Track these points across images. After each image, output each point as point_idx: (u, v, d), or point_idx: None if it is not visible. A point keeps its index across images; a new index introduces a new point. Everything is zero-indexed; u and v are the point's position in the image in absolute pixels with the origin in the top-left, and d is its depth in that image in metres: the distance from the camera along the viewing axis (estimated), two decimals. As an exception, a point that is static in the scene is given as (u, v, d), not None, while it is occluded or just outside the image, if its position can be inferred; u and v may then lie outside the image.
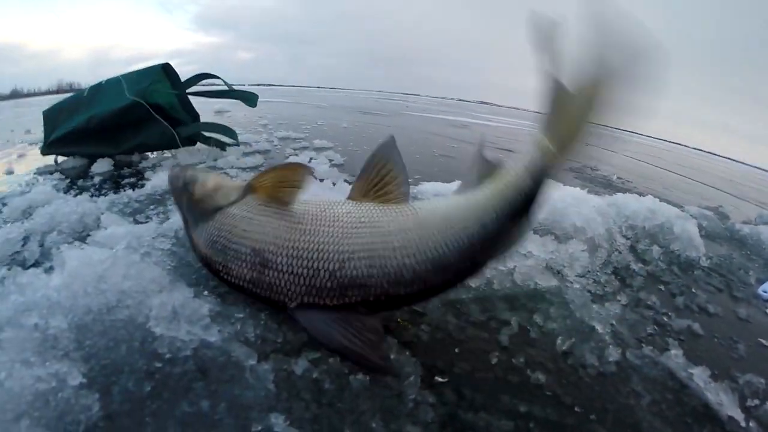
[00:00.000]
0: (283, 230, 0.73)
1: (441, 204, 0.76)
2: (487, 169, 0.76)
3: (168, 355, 0.63)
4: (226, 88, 2.16)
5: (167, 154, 2.09)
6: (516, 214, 0.70)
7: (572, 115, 0.66)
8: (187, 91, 2.07)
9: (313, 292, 0.69)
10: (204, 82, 2.15)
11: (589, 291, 1.01)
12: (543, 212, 1.22)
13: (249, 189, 0.82)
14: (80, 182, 1.65)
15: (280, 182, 0.78)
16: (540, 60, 0.65)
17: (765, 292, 1.19)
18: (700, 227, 1.58)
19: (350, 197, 0.80)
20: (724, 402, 0.71)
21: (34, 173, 1.81)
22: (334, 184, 1.47)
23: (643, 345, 0.84)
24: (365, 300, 0.69)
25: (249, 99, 2.13)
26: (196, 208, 0.84)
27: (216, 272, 0.77)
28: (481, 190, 0.73)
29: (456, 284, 0.76)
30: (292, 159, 2.01)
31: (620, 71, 0.61)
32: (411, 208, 0.75)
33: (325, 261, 0.69)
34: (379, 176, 0.78)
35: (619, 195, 1.55)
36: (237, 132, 2.16)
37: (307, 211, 0.76)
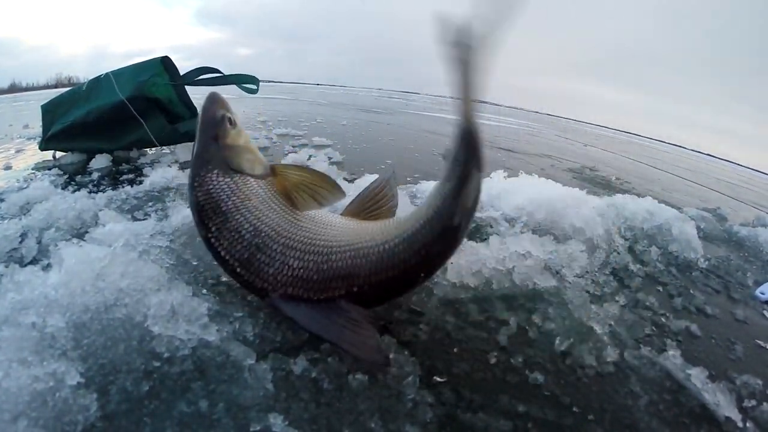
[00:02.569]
0: (284, 222, 0.76)
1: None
2: None
3: (166, 355, 0.63)
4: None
5: (166, 150, 2.08)
6: (464, 176, 0.72)
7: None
8: (185, 81, 2.04)
9: (299, 283, 0.71)
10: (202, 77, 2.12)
11: (588, 291, 1.01)
12: (542, 212, 1.22)
13: (272, 171, 0.83)
14: (78, 178, 1.64)
15: (304, 185, 0.80)
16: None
17: (762, 293, 1.20)
18: (699, 229, 1.58)
19: (342, 214, 0.86)
20: (722, 403, 0.71)
21: (32, 169, 1.80)
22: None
23: (641, 345, 0.84)
24: (349, 292, 0.70)
25: (250, 82, 2.04)
26: (220, 150, 0.81)
27: (207, 231, 0.75)
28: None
29: (434, 266, 0.77)
30: (291, 156, 2.00)
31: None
32: (395, 218, 0.82)
33: (313, 254, 0.72)
34: (376, 205, 0.85)
35: (618, 196, 1.55)
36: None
37: (307, 213, 0.80)
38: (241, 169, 0.80)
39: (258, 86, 2.05)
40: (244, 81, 2.05)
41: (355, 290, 0.70)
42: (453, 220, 0.71)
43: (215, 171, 0.79)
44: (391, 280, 0.72)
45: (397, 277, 0.72)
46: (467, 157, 0.71)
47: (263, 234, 0.73)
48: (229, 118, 0.85)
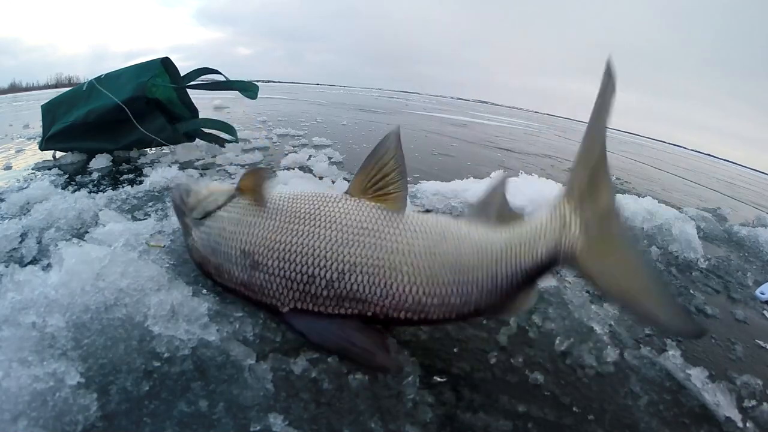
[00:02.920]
0: (273, 231, 0.70)
1: (452, 229, 0.69)
2: (506, 211, 0.73)
3: (166, 355, 0.63)
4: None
5: (166, 150, 2.08)
6: (527, 281, 0.66)
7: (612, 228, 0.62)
8: (186, 84, 2.05)
9: (308, 299, 0.67)
10: (203, 78, 2.13)
11: (588, 291, 1.01)
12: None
13: (237, 191, 0.81)
14: (78, 178, 1.63)
15: (253, 186, 0.78)
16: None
17: (762, 293, 1.20)
18: (699, 229, 1.58)
19: (348, 191, 0.76)
20: (722, 403, 0.71)
21: (32, 169, 1.80)
22: (333, 182, 1.47)
23: (641, 345, 0.84)
24: (362, 314, 0.67)
25: (249, 90, 2.10)
26: (190, 216, 0.84)
27: (209, 275, 0.78)
28: (498, 237, 0.67)
29: (453, 322, 0.74)
30: (291, 156, 2.00)
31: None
32: (417, 222, 0.70)
33: (321, 268, 0.66)
34: (382, 173, 0.73)
35: (618, 196, 1.55)
36: (236, 128, 2.15)
37: (299, 209, 0.72)
38: (206, 211, 0.82)
39: (257, 94, 2.09)
40: (245, 88, 2.08)
41: (369, 315, 0.67)
42: (491, 315, 0.71)
43: (193, 231, 0.81)
44: (407, 320, 0.67)
45: (414, 321, 0.68)
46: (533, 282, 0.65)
47: (253, 253, 0.70)
48: (182, 195, 0.88)
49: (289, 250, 0.68)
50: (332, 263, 0.66)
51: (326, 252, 0.67)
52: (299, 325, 0.68)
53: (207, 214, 0.81)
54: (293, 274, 0.67)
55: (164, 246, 0.86)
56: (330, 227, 0.69)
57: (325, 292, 0.66)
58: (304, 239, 0.69)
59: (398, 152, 0.73)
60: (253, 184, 0.77)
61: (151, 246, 0.85)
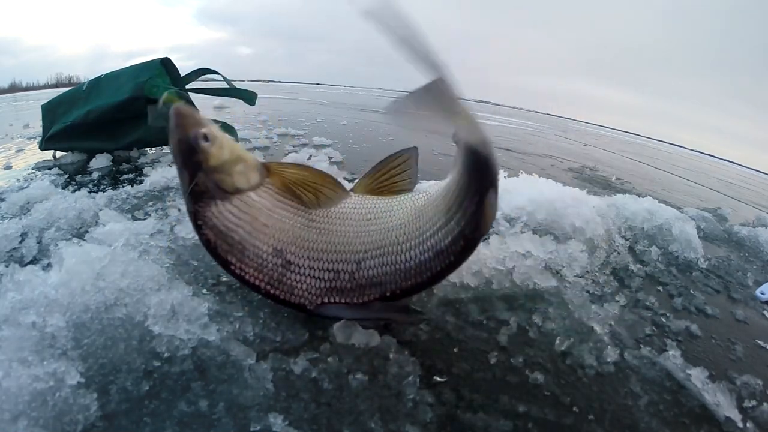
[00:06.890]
0: (301, 228, 0.73)
1: (434, 190, 0.78)
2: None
3: (166, 354, 0.63)
4: (225, 85, 2.15)
5: (166, 149, 2.08)
6: (482, 203, 0.69)
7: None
8: (186, 87, 2.05)
9: (334, 293, 0.71)
10: (203, 78, 2.13)
11: (588, 291, 1.01)
12: (542, 212, 1.22)
13: (267, 170, 0.76)
14: (78, 178, 1.63)
15: (305, 184, 0.74)
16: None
17: (763, 293, 1.19)
18: (699, 229, 1.58)
19: (353, 190, 0.81)
20: (722, 403, 0.71)
21: (32, 168, 1.80)
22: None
23: (642, 345, 0.84)
24: (382, 296, 0.72)
25: (248, 98, 2.11)
26: (209, 177, 0.71)
27: (227, 265, 0.72)
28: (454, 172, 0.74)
29: (457, 265, 0.74)
30: (291, 156, 2.00)
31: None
32: (410, 198, 0.78)
33: (343, 262, 0.71)
34: (391, 186, 0.81)
35: (619, 196, 1.55)
36: (236, 128, 2.15)
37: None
38: (237, 187, 0.72)
39: (255, 101, 2.10)
40: (244, 96, 2.09)
41: (388, 295, 0.72)
42: (475, 237, 0.71)
43: (213, 202, 0.71)
44: (420, 284, 0.73)
45: (425, 282, 0.73)
46: (484, 186, 0.67)
47: (285, 252, 0.71)
48: (204, 135, 0.72)
49: (316, 248, 0.72)
50: (350, 255, 0.72)
51: (344, 246, 0.72)
52: (330, 312, 0.72)
53: (237, 191, 0.72)
54: (321, 272, 0.71)
55: None
56: (343, 222, 0.74)
57: (348, 285, 0.71)
58: (325, 236, 0.73)
59: (413, 169, 0.83)
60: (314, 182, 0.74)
61: None
